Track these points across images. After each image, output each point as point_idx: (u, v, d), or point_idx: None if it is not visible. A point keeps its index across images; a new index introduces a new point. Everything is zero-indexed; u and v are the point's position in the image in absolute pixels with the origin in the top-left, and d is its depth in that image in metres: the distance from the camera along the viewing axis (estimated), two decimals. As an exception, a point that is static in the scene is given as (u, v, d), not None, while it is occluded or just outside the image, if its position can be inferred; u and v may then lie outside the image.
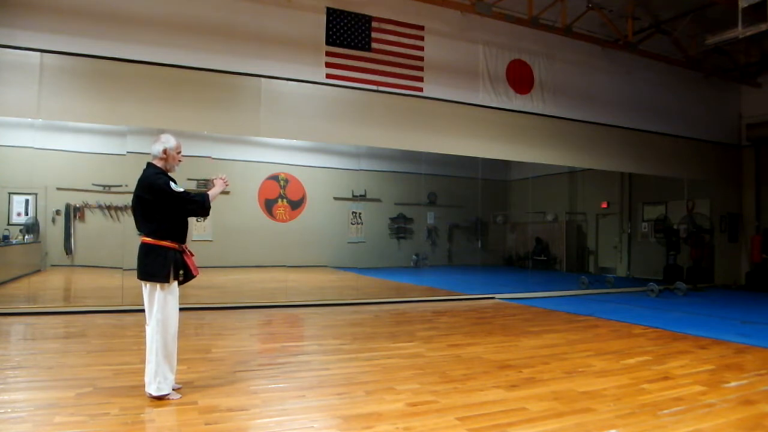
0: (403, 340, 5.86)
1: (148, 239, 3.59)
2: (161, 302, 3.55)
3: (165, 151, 3.69)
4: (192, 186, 13.19)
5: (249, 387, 3.94)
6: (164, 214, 3.60)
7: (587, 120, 11.07)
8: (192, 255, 3.74)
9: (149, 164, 3.72)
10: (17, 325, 6.36)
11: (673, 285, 11.27)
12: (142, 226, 3.64)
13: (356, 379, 4.23)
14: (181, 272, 3.62)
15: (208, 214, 3.78)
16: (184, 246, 3.70)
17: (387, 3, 9.09)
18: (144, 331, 3.63)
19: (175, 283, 3.64)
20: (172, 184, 3.62)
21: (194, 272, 3.68)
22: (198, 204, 3.68)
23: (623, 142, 11.54)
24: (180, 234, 3.68)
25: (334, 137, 9.27)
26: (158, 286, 3.55)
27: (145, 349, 3.67)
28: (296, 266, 13.79)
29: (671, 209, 14.03)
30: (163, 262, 3.54)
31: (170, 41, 7.67)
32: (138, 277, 3.63)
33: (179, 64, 7.68)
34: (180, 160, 3.81)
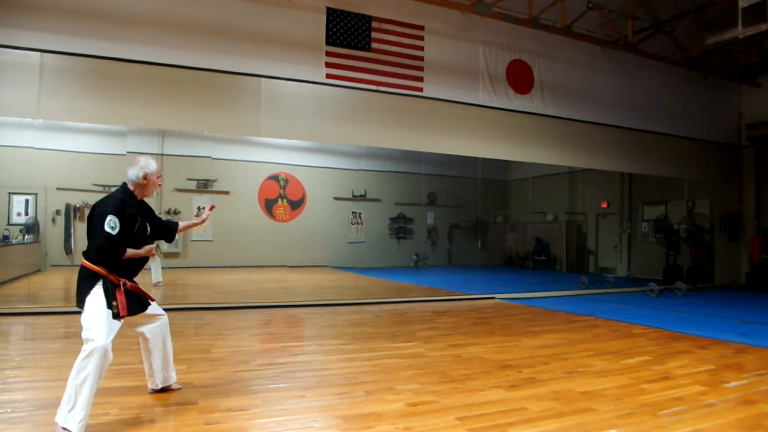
0: (403, 340, 5.86)
1: (85, 262, 3.23)
2: (82, 324, 3.12)
3: (146, 177, 3.38)
4: (192, 186, 13.20)
5: (249, 387, 3.94)
6: (120, 240, 3.22)
7: (587, 120, 11.07)
8: (128, 293, 3.26)
9: (123, 185, 3.40)
10: (17, 325, 6.36)
11: (673, 285, 11.27)
12: (88, 244, 3.27)
13: (356, 379, 4.23)
14: (115, 303, 3.15)
15: (113, 259, 3.22)
16: (123, 280, 3.25)
17: (387, 3, 9.09)
18: (135, 334, 3.61)
19: (108, 312, 3.13)
20: (109, 220, 3.15)
21: (121, 311, 3.16)
22: (106, 251, 3.15)
23: (623, 142, 11.54)
24: (122, 267, 3.26)
25: (334, 137, 9.28)
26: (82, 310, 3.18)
27: (140, 351, 3.69)
28: (296, 266, 13.80)
29: (671, 209, 14.04)
30: (87, 285, 3.17)
31: (170, 41, 7.67)
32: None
33: (179, 64, 7.68)
34: (160, 185, 3.52)
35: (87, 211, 12.63)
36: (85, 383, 2.96)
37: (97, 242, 3.15)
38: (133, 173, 3.38)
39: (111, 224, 3.16)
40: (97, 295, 3.15)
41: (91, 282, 3.18)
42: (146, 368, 3.70)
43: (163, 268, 10.51)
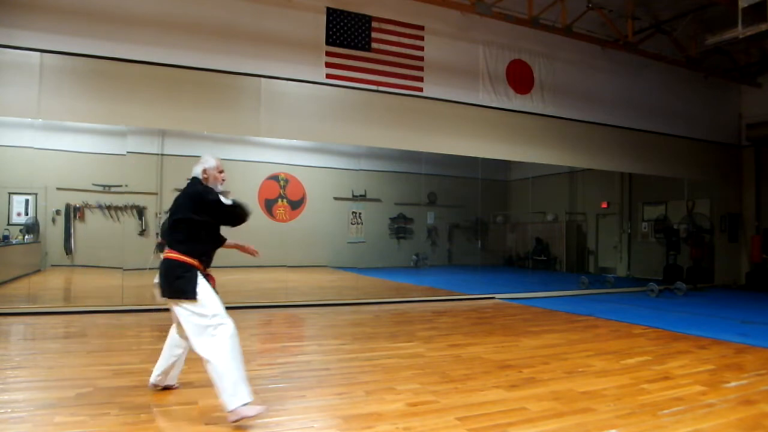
0: (403, 340, 5.86)
1: (174, 255, 3.39)
2: (200, 312, 3.32)
3: (205, 171, 3.60)
4: (192, 186, 13.21)
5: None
6: (207, 231, 3.49)
7: (587, 120, 11.07)
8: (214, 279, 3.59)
9: (196, 180, 3.59)
10: (17, 325, 6.35)
11: (673, 285, 11.26)
12: (174, 239, 3.45)
13: (356, 379, 4.23)
14: None
15: (242, 222, 3.61)
16: (208, 271, 3.55)
17: (387, 3, 9.09)
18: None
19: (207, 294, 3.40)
20: (222, 198, 3.51)
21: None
22: (236, 216, 3.56)
23: (623, 142, 11.54)
24: (210, 256, 3.57)
25: (334, 137, 9.27)
26: (189, 302, 3.34)
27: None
28: (296, 266, 13.79)
29: (671, 209, 14.03)
30: (191, 277, 3.36)
31: (170, 41, 7.67)
32: (164, 296, 3.45)
33: (179, 64, 7.68)
34: (223, 180, 3.69)
35: (87, 212, 12.69)
36: (236, 358, 3.22)
37: (229, 217, 3.49)
38: (195, 171, 3.61)
39: (227, 200, 3.48)
40: (204, 285, 3.37)
41: (193, 275, 3.36)
42: (166, 363, 3.71)
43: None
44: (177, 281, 3.33)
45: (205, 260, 3.52)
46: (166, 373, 3.73)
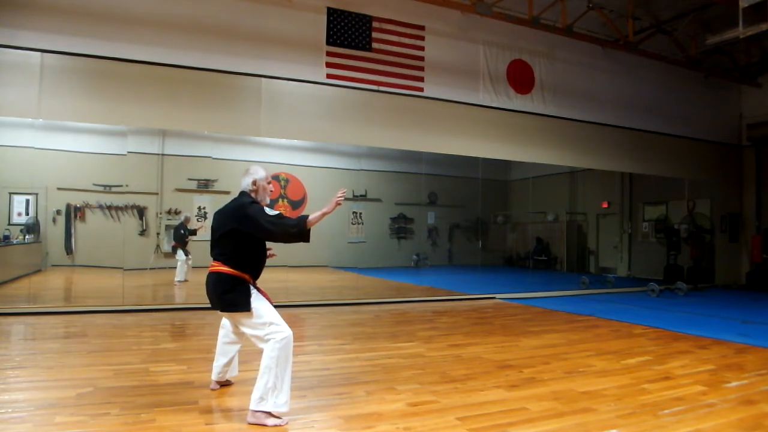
0: (404, 340, 5.86)
1: (223, 268, 3.35)
2: (259, 323, 3.29)
3: (255, 183, 3.51)
4: (192, 186, 13.21)
5: (249, 387, 3.91)
6: (255, 245, 3.42)
7: (588, 120, 11.07)
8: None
9: (243, 193, 3.51)
10: (17, 325, 6.35)
11: (673, 285, 11.26)
12: (221, 252, 3.39)
13: (356, 379, 4.23)
14: None
15: (299, 240, 3.39)
16: (256, 283, 3.52)
17: (387, 3, 9.09)
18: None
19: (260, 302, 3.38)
20: (260, 208, 3.38)
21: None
22: (283, 227, 3.32)
23: (623, 142, 11.53)
24: (258, 269, 3.51)
25: (334, 137, 9.27)
26: (243, 315, 3.32)
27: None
28: (297, 266, 13.79)
29: (672, 209, 14.03)
30: (243, 290, 3.33)
31: (170, 41, 7.67)
32: (215, 309, 3.47)
33: (179, 64, 7.68)
34: (271, 190, 3.62)
35: (87, 212, 12.69)
36: (287, 368, 3.21)
37: (271, 228, 3.28)
38: (244, 183, 3.53)
39: (266, 209, 3.35)
40: (257, 296, 3.37)
41: (245, 287, 3.35)
42: (223, 361, 3.82)
43: (162, 267, 10.51)
44: (228, 294, 3.32)
45: (255, 274, 3.47)
46: (231, 364, 3.87)
